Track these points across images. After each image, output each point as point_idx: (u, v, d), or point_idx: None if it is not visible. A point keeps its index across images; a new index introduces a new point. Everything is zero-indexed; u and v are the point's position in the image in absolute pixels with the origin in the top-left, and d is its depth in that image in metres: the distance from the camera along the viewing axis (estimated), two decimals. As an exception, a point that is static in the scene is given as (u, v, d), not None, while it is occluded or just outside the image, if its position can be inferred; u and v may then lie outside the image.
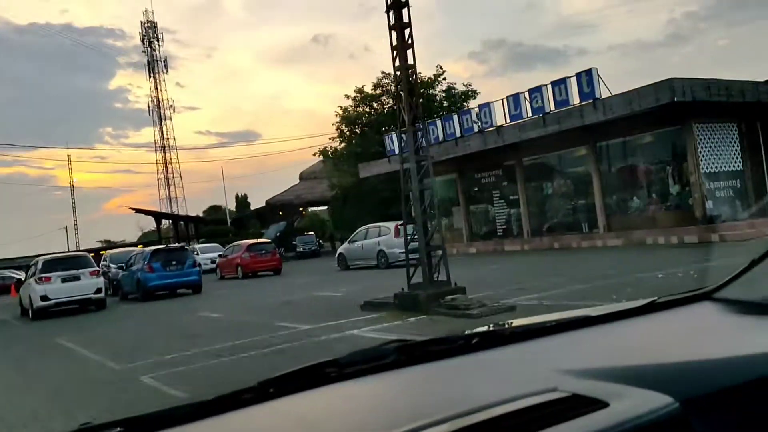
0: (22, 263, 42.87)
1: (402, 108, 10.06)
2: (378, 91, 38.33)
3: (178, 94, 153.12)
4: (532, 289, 10.83)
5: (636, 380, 1.04)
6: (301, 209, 52.90)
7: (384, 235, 22.10)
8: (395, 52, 9.96)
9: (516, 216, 24.96)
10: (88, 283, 17.24)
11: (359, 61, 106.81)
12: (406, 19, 10.00)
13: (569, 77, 20.14)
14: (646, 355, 1.21)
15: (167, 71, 68.01)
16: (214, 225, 49.97)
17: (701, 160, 18.88)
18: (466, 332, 1.49)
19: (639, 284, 10.20)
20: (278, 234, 44.36)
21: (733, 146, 19.63)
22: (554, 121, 20.75)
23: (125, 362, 8.44)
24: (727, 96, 18.56)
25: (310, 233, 46.57)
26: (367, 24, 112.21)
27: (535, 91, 21.15)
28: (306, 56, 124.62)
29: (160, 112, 66.49)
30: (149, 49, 67.24)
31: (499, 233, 25.64)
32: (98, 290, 17.44)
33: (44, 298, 16.73)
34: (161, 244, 35.06)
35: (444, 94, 37.81)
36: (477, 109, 23.59)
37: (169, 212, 57.74)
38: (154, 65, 67.27)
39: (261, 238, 35.56)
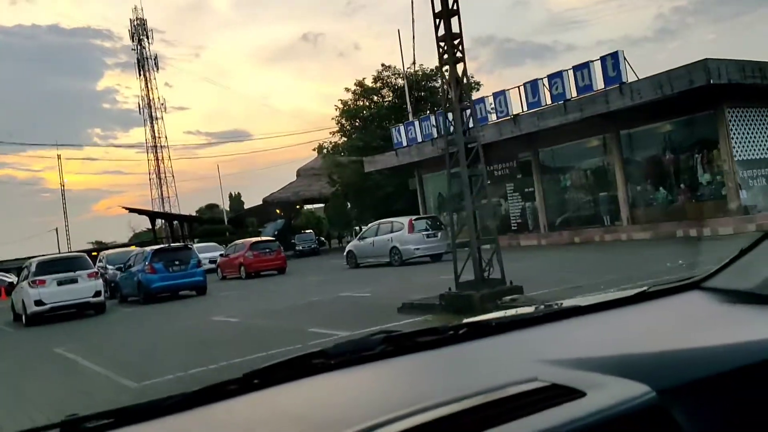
0: (11, 266, 41.65)
1: (448, 84, 8.92)
2: (378, 84, 37.29)
3: (167, 95, 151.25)
4: (589, 287, 9.70)
5: (617, 370, 1.04)
6: (298, 206, 51.65)
7: (397, 231, 20.93)
8: (438, 20, 8.80)
9: (532, 209, 23.91)
10: (86, 286, 15.96)
11: (349, 59, 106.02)
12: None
13: (593, 61, 19.05)
14: (630, 344, 1.20)
15: (158, 69, 66.72)
16: (210, 224, 48.49)
17: (734, 147, 17.87)
18: (454, 323, 1.47)
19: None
20: (276, 232, 43.18)
21: (768, 132, 18.64)
22: (576, 108, 19.67)
23: (139, 378, 7.25)
24: (761, 78, 17.55)
25: (309, 231, 45.36)
26: (355, 22, 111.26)
27: (555, 77, 20.06)
28: (295, 55, 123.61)
29: (151, 111, 65.16)
30: (139, 46, 65.88)
31: (513, 227, 24.55)
32: (97, 293, 16.16)
33: (39, 302, 15.44)
34: (156, 244, 33.81)
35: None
36: (491, 98, 22.44)
37: (163, 212, 56.32)
38: (144, 63, 65.98)
39: (259, 236, 34.43)
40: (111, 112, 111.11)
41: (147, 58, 65.91)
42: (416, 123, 26.24)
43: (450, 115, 9.19)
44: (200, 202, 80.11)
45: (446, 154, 9.33)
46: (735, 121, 18.00)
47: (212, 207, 59.08)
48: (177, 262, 18.32)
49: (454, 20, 8.67)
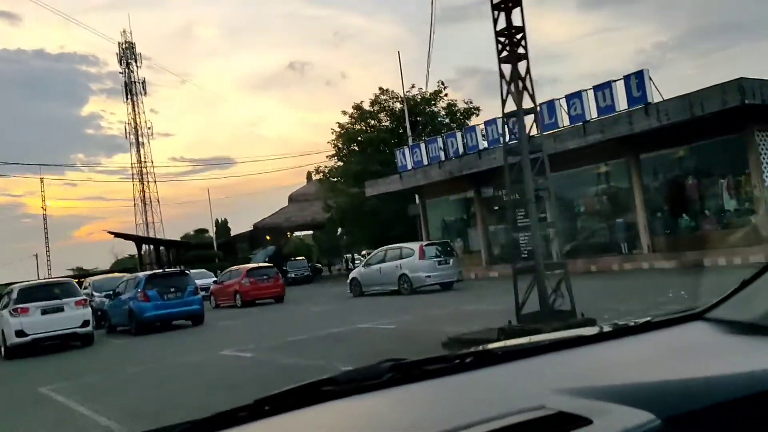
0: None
1: (508, 87, 7.85)
2: (376, 108, 36.43)
3: (152, 121, 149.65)
4: (640, 313, 8.57)
5: (622, 398, 1.05)
6: (288, 233, 50.29)
7: (406, 257, 19.73)
8: (497, 12, 7.77)
9: (544, 236, 22.84)
10: (74, 315, 14.51)
11: (336, 87, 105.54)
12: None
13: (615, 80, 18.23)
14: (635, 373, 1.20)
15: (145, 93, 65.56)
16: (199, 250, 46.82)
17: (765, 172, 17.01)
18: (461, 352, 1.45)
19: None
20: (267, 259, 41.80)
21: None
22: (596, 129, 18.79)
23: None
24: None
25: (301, 258, 44.00)
26: (342, 52, 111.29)
27: (574, 97, 19.22)
28: (282, 83, 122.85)
29: (137, 135, 63.80)
30: (127, 69, 64.78)
31: (524, 255, 23.42)
32: (85, 323, 14.69)
33: (20, 333, 13.97)
34: (140, 270, 32.24)
35: (445, 111, 36.14)
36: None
37: (150, 237, 54.57)
38: (131, 86, 64.81)
39: (249, 263, 33.07)
40: (95, 138, 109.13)
41: (135, 82, 64.86)
42: (422, 145, 25.28)
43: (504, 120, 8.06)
44: (185, 228, 78.04)
45: (504, 164, 8.24)
46: (765, 144, 17.17)
47: (201, 232, 57.38)
48: (172, 289, 16.91)
49: (515, 12, 7.68)
